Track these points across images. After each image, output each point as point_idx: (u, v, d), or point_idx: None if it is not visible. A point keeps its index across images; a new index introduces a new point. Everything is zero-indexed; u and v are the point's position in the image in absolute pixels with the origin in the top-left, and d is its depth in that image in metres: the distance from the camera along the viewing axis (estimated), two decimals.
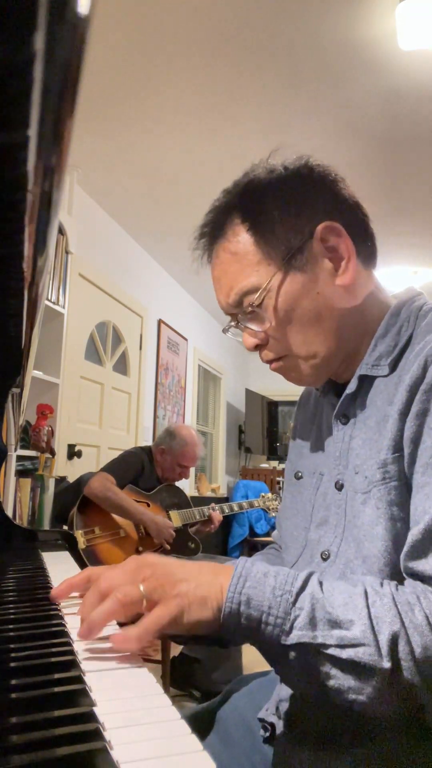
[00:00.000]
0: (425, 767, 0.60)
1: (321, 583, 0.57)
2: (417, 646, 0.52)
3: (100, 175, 3.28)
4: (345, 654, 0.53)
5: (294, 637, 0.54)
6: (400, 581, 0.60)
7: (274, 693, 0.77)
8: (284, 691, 0.73)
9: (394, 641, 0.52)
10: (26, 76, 0.21)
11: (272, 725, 0.75)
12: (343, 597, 0.56)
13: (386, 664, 0.52)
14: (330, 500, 0.73)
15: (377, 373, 0.71)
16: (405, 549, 0.60)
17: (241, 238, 0.73)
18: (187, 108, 2.69)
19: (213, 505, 2.78)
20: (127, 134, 2.91)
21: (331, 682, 0.54)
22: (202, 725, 0.82)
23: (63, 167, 0.30)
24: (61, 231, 2.97)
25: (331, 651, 0.53)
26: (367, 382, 0.72)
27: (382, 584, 0.58)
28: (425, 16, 2.05)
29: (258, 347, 0.77)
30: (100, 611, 0.54)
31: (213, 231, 0.76)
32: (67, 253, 3.00)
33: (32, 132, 0.24)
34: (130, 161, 3.16)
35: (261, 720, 0.78)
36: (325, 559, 0.71)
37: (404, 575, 0.61)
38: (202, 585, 0.57)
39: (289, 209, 0.72)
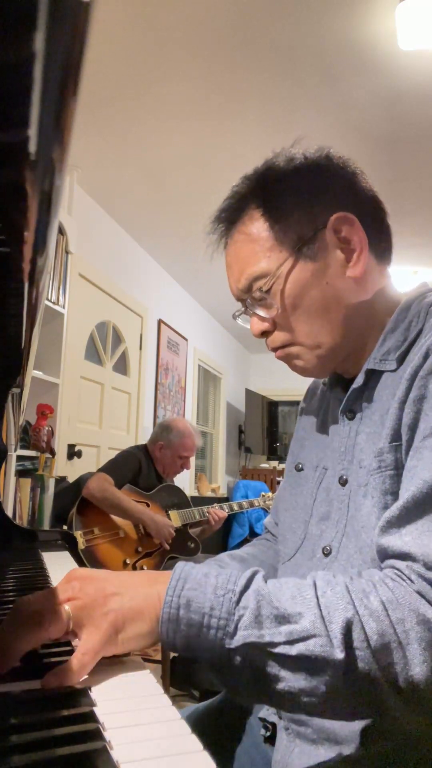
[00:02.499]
0: (426, 766, 0.59)
1: (266, 581, 0.54)
2: (372, 633, 0.49)
3: (100, 175, 3.28)
4: (295, 650, 0.49)
5: (239, 639, 0.50)
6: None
7: None
8: None
9: (347, 629, 0.49)
10: (26, 76, 0.21)
11: (273, 725, 0.75)
12: (291, 591, 0.53)
13: (339, 654, 0.48)
14: (333, 495, 0.73)
15: (384, 368, 0.70)
16: (379, 524, 0.58)
17: (255, 224, 0.74)
18: (188, 108, 2.69)
19: (215, 505, 2.78)
20: (127, 134, 2.91)
21: (281, 686, 0.50)
22: (202, 724, 0.81)
23: (63, 167, 0.30)
24: (61, 231, 2.97)
25: (279, 649, 0.49)
26: (374, 376, 0.71)
27: (335, 575, 0.55)
28: (425, 16, 2.05)
29: (265, 334, 0.77)
30: (15, 637, 0.49)
31: (229, 216, 0.77)
32: (67, 253, 3.00)
33: (32, 132, 0.24)
34: (130, 161, 3.16)
35: (262, 719, 0.77)
36: (326, 555, 0.70)
37: (377, 554, 0.58)
38: (137, 597, 0.53)
39: (304, 198, 0.73)
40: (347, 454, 0.72)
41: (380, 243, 0.76)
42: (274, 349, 0.77)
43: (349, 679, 0.49)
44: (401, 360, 0.69)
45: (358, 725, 0.60)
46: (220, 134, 2.88)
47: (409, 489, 0.56)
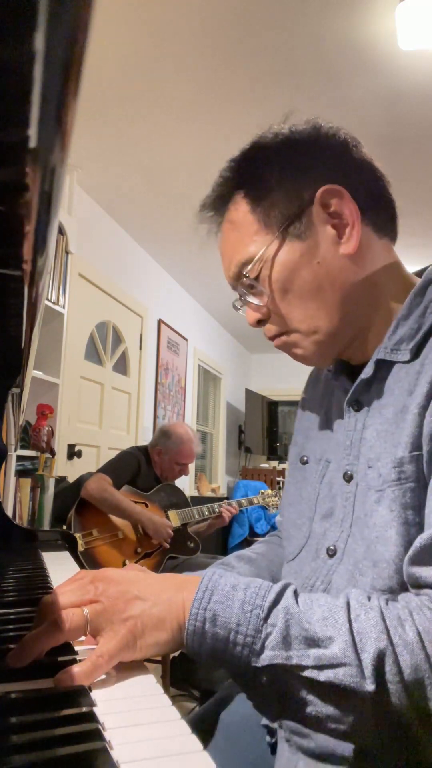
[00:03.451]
0: None
1: (297, 596, 0.52)
2: (406, 667, 0.46)
3: (100, 175, 3.28)
4: (323, 676, 0.47)
5: (266, 658, 0.48)
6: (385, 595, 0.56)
7: None
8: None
9: (379, 660, 0.46)
10: (26, 76, 0.21)
11: (274, 733, 0.72)
12: (322, 611, 0.50)
13: (370, 686, 0.45)
14: (336, 491, 0.68)
15: (397, 359, 0.64)
16: (410, 552, 0.54)
17: (239, 207, 0.70)
18: (187, 108, 2.69)
19: (225, 502, 2.79)
20: (127, 134, 2.91)
21: (309, 709, 0.48)
22: (204, 728, 0.78)
23: (63, 167, 0.30)
24: (61, 231, 2.97)
25: (307, 673, 0.47)
26: (385, 367, 0.65)
27: (369, 597, 0.52)
28: (425, 16, 2.05)
29: (261, 323, 0.72)
30: (35, 636, 0.48)
31: (216, 203, 0.73)
32: (67, 253, 3.00)
33: (32, 132, 0.24)
34: (130, 161, 3.16)
35: (266, 726, 0.75)
36: (331, 556, 0.66)
37: (407, 583, 0.55)
38: (160, 603, 0.51)
39: (288, 173, 0.67)
40: (353, 448, 0.67)
41: (379, 215, 0.69)
42: (272, 338, 0.73)
43: (379, 712, 0.47)
44: (417, 351, 0.63)
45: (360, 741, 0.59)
46: (220, 134, 2.88)
47: None
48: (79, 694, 0.43)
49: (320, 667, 0.47)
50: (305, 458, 0.77)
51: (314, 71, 2.43)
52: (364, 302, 0.68)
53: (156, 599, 0.51)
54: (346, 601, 0.51)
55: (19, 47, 0.20)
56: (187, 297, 5.34)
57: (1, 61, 0.21)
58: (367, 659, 0.46)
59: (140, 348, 4.25)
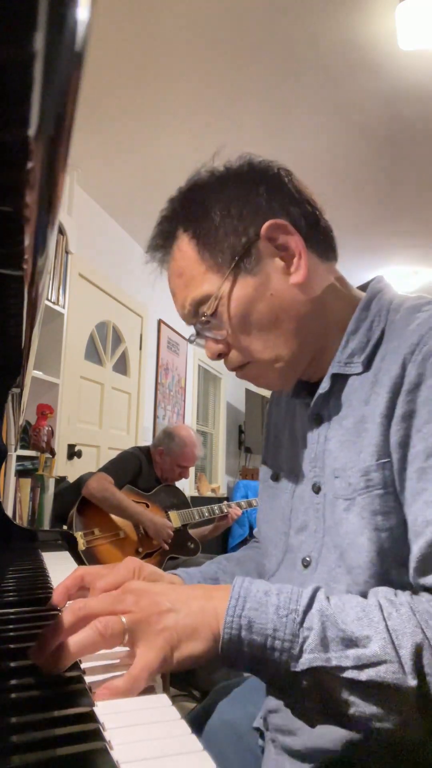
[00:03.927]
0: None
1: (329, 598, 0.52)
2: None
3: (100, 175, 3.28)
4: (365, 675, 0.47)
5: (305, 662, 0.48)
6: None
7: (264, 703, 0.74)
8: (273, 702, 0.69)
9: (417, 654, 0.47)
10: (26, 76, 0.21)
11: (263, 735, 0.73)
12: (356, 611, 0.50)
13: (412, 681, 0.46)
14: (308, 504, 0.70)
15: (351, 371, 0.67)
16: (413, 565, 0.56)
17: (186, 248, 0.71)
18: (188, 108, 2.69)
19: (226, 502, 2.80)
20: (127, 134, 2.91)
21: (352, 710, 0.48)
22: (196, 730, 0.79)
23: (63, 167, 0.30)
24: (61, 231, 2.97)
25: (348, 674, 0.48)
26: (340, 380, 0.69)
27: (396, 594, 0.53)
28: (425, 16, 2.05)
29: (221, 356, 0.74)
30: (76, 641, 0.47)
31: (162, 243, 0.75)
32: (67, 253, 3.00)
33: (32, 132, 0.24)
34: (130, 161, 3.16)
35: (257, 729, 0.76)
36: (306, 566, 0.68)
37: (421, 591, 0.56)
38: (192, 614, 0.51)
39: (231, 211, 0.69)
40: (318, 460, 0.69)
41: (319, 242, 0.72)
42: (233, 370, 0.75)
43: (422, 706, 0.47)
44: (368, 362, 0.67)
45: (341, 734, 0.59)
46: (220, 134, 2.88)
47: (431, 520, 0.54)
48: (79, 694, 0.43)
49: (361, 667, 0.48)
50: (276, 475, 0.79)
51: (314, 71, 2.43)
52: (318, 324, 0.71)
53: (188, 610, 0.51)
54: (376, 600, 0.52)
55: (19, 47, 0.20)
56: None
57: (1, 61, 0.21)
58: (406, 654, 0.47)
59: (140, 348, 4.25)
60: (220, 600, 0.52)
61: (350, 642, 0.48)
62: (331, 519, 0.66)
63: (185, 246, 0.71)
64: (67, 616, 0.49)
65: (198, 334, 0.75)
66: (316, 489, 0.69)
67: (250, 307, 0.69)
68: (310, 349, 0.71)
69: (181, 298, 0.74)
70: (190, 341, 0.78)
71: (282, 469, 0.78)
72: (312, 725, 0.55)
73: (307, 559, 0.68)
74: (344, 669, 0.48)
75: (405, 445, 0.59)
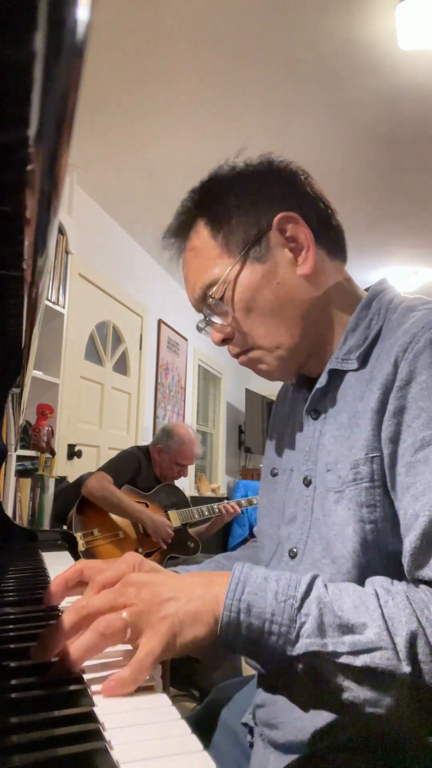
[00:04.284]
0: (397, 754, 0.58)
1: (327, 586, 0.53)
2: None
3: (100, 175, 3.28)
4: (359, 661, 0.48)
5: (301, 647, 0.49)
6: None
7: (253, 698, 0.75)
8: (260, 697, 0.70)
9: (412, 642, 0.48)
10: (26, 76, 0.21)
11: (252, 730, 0.75)
12: (353, 599, 0.51)
13: (406, 667, 0.47)
14: (297, 496, 0.72)
15: (347, 367, 0.70)
16: (406, 560, 0.57)
17: (201, 234, 0.75)
18: (188, 108, 2.69)
19: (225, 501, 2.80)
20: (127, 134, 2.91)
21: (346, 695, 0.49)
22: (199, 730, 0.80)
23: (63, 167, 0.30)
24: (61, 231, 2.97)
25: (343, 659, 0.49)
26: (338, 376, 0.71)
27: (392, 583, 0.54)
28: (425, 16, 2.05)
29: (225, 341, 0.77)
30: (79, 646, 0.47)
31: (179, 231, 0.78)
32: (67, 253, 3.00)
33: (32, 132, 0.24)
34: (130, 161, 3.16)
35: (245, 725, 0.77)
36: (292, 557, 0.70)
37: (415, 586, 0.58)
38: (194, 599, 0.51)
39: (246, 202, 0.73)
40: (311, 454, 0.72)
41: (329, 239, 0.76)
42: (236, 356, 0.77)
43: (415, 692, 0.48)
44: (363, 359, 0.69)
45: (323, 721, 0.61)
46: (219, 134, 2.88)
47: (420, 514, 0.55)
48: (79, 694, 0.43)
49: (356, 653, 0.49)
50: (275, 470, 0.81)
51: (314, 71, 2.43)
52: (320, 318, 0.74)
53: (189, 596, 0.52)
54: (373, 588, 0.53)
55: (19, 47, 0.20)
56: (187, 297, 5.33)
57: (1, 61, 0.21)
58: (401, 642, 0.48)
59: (140, 348, 4.25)
60: (221, 585, 0.53)
61: (346, 628, 0.50)
62: (319, 511, 0.68)
63: (201, 232, 0.75)
64: (71, 616, 0.50)
65: (205, 319, 0.77)
66: (307, 482, 0.71)
67: (255, 293, 0.72)
68: (310, 341, 0.74)
69: (192, 283, 0.77)
70: (198, 329, 0.81)
71: (280, 463, 0.80)
72: (305, 710, 0.56)
73: (294, 550, 0.70)
74: (340, 654, 0.49)
75: (395, 440, 0.61)
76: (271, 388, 7.09)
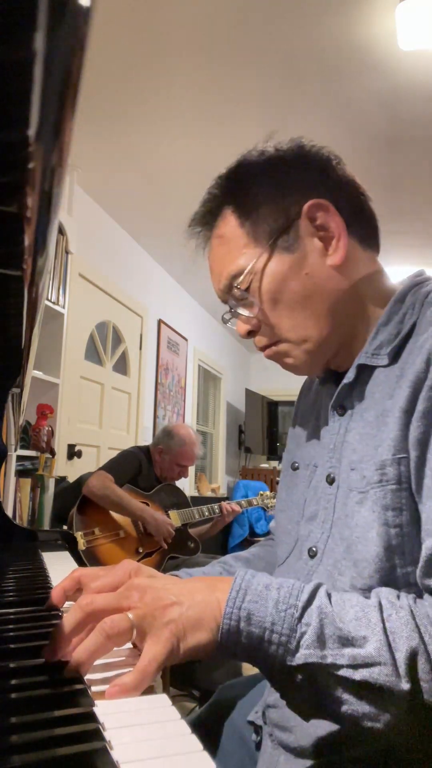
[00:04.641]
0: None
1: (330, 596, 0.52)
2: None
3: (100, 175, 3.28)
4: (358, 675, 0.47)
5: (300, 657, 0.48)
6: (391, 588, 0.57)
7: (263, 697, 0.75)
8: (272, 697, 0.69)
9: (412, 658, 0.47)
10: (26, 76, 0.21)
11: (261, 729, 0.74)
12: (355, 611, 0.50)
13: (405, 685, 0.47)
14: (320, 494, 0.70)
15: (377, 363, 0.66)
16: (421, 564, 0.56)
17: (228, 222, 0.72)
18: (188, 108, 2.69)
19: (226, 501, 2.80)
20: (127, 134, 2.91)
21: (344, 708, 0.49)
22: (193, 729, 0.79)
23: (63, 167, 0.30)
24: (61, 231, 2.97)
25: (342, 672, 0.48)
26: (366, 371, 0.68)
27: (398, 596, 0.53)
28: (425, 16, 2.05)
29: (251, 334, 0.74)
30: (86, 648, 0.47)
31: (204, 219, 0.75)
32: (67, 253, 3.00)
33: (32, 132, 0.24)
34: (130, 161, 3.16)
35: (251, 723, 0.76)
36: (312, 556, 0.68)
37: (424, 592, 0.56)
38: (196, 605, 0.51)
39: (275, 189, 0.70)
40: (336, 451, 0.69)
41: (362, 228, 0.72)
42: (262, 349, 0.74)
43: (414, 710, 0.48)
44: (395, 355, 0.65)
45: (337, 734, 0.59)
46: (219, 134, 2.88)
47: None
48: (79, 694, 0.43)
49: (355, 666, 0.48)
50: (296, 464, 0.79)
51: (314, 72, 2.43)
52: (350, 311, 0.70)
53: (191, 602, 0.51)
54: (377, 600, 0.52)
55: (19, 47, 0.20)
56: (187, 297, 5.34)
57: (1, 61, 0.21)
58: (401, 658, 0.47)
59: (140, 348, 4.25)
60: (222, 592, 0.52)
61: (347, 641, 0.49)
62: (341, 511, 0.65)
63: (228, 221, 0.72)
64: (76, 613, 0.50)
65: (231, 310, 0.74)
66: (330, 480, 0.68)
67: (283, 284, 0.69)
68: (339, 334, 0.71)
69: (217, 272, 0.74)
70: (224, 320, 0.78)
71: (302, 458, 0.78)
72: (305, 719, 0.55)
73: (314, 549, 0.68)
74: (339, 667, 0.48)
75: (424, 442, 0.58)
76: (271, 389, 7.11)
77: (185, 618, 0.50)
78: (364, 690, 0.48)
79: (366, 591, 0.58)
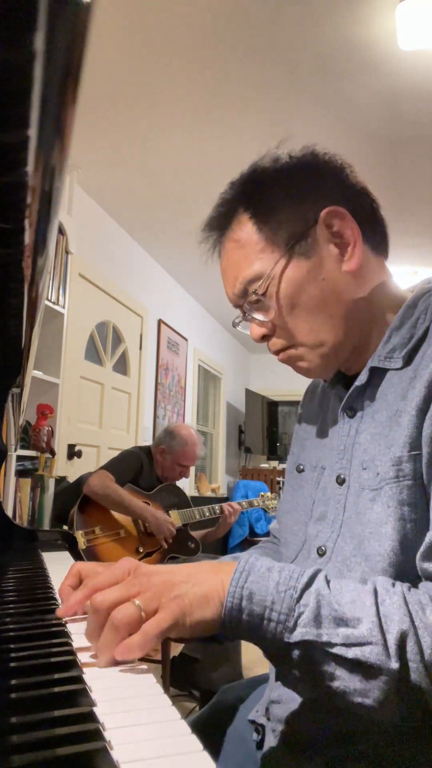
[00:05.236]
0: (409, 766, 0.59)
1: (328, 581, 0.55)
2: (427, 647, 0.50)
3: (100, 175, 3.28)
4: (351, 653, 0.50)
5: (298, 635, 0.52)
6: (405, 582, 0.58)
7: (265, 694, 0.75)
8: (275, 693, 0.71)
9: (402, 640, 0.50)
10: (26, 76, 0.21)
11: (263, 727, 0.74)
12: (351, 594, 0.53)
13: (394, 664, 0.49)
14: (330, 495, 0.71)
15: (390, 366, 0.68)
16: (421, 549, 0.58)
17: (244, 228, 0.73)
18: (187, 108, 2.69)
19: (228, 503, 2.79)
20: (127, 134, 2.91)
21: (336, 684, 0.52)
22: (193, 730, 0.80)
23: (63, 167, 0.30)
24: (61, 231, 2.97)
25: (336, 650, 0.51)
26: (378, 374, 0.69)
27: (393, 584, 0.55)
28: (425, 16, 2.05)
29: (265, 338, 0.75)
30: (102, 645, 0.51)
31: (219, 223, 0.76)
32: (67, 253, 3.00)
33: (32, 132, 0.24)
34: (130, 161, 3.16)
35: (252, 722, 0.77)
36: (321, 555, 0.70)
37: (421, 576, 0.59)
38: (202, 583, 0.55)
39: (292, 196, 0.71)
40: (346, 452, 0.70)
41: (375, 234, 0.74)
42: (276, 353, 0.76)
43: (402, 688, 0.50)
44: (408, 358, 0.67)
45: (345, 726, 0.61)
46: (219, 134, 2.88)
47: None
48: (79, 694, 0.43)
49: (348, 645, 0.51)
50: (301, 466, 0.80)
51: (314, 71, 2.43)
52: (364, 315, 0.72)
53: (197, 580, 0.55)
54: (373, 586, 0.54)
55: (19, 47, 0.20)
56: (187, 297, 5.34)
57: (1, 61, 0.21)
58: (392, 639, 0.50)
59: (140, 348, 4.25)
60: (227, 573, 0.56)
61: (341, 621, 0.52)
62: (352, 510, 0.67)
63: (245, 226, 0.73)
64: (92, 618, 0.53)
65: (245, 315, 0.76)
66: (341, 481, 0.70)
67: (300, 289, 0.70)
68: (353, 339, 0.73)
69: (232, 277, 0.75)
70: (234, 324, 0.79)
71: (308, 460, 0.79)
72: (301, 696, 0.59)
73: (323, 548, 0.70)
74: (333, 645, 0.51)
75: None
76: (271, 389, 7.12)
77: (192, 594, 0.54)
78: (356, 667, 0.51)
79: None
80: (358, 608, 0.52)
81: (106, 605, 0.52)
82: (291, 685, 0.59)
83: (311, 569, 0.56)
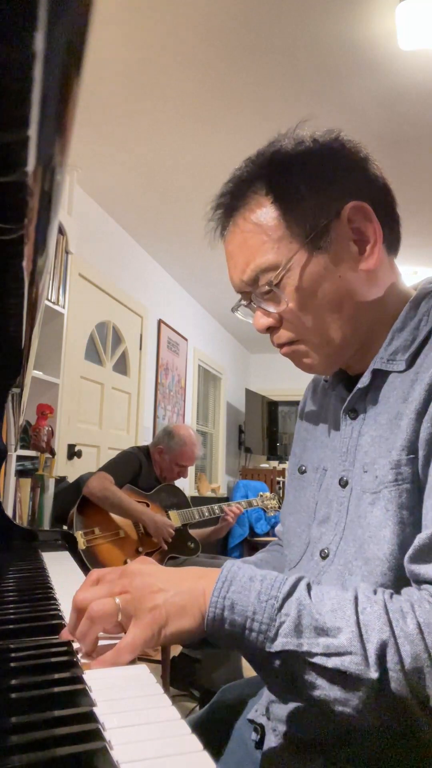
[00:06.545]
0: (409, 766, 0.59)
1: (309, 589, 0.55)
2: (407, 656, 0.49)
3: (100, 175, 3.28)
4: (331, 663, 0.50)
5: (279, 645, 0.52)
6: (404, 586, 0.58)
7: (265, 694, 0.75)
8: None
9: (382, 650, 0.50)
10: (26, 76, 0.21)
11: (262, 726, 0.74)
12: (332, 603, 0.53)
13: (373, 674, 0.49)
14: (332, 497, 0.70)
15: (392, 368, 0.67)
16: (410, 551, 0.58)
17: (265, 210, 0.68)
18: (187, 108, 2.69)
19: (228, 503, 2.79)
20: (127, 134, 2.91)
21: (317, 693, 0.52)
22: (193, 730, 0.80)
23: (63, 167, 0.30)
24: (61, 231, 2.97)
25: (316, 659, 0.51)
26: (380, 376, 0.68)
27: (375, 591, 0.55)
28: (425, 16, 2.05)
29: (270, 330, 0.72)
30: (79, 633, 0.54)
31: (233, 201, 0.72)
32: (67, 253, 3.00)
33: (32, 132, 0.24)
34: (130, 161, 3.16)
35: (251, 721, 0.77)
36: (324, 558, 0.69)
37: (409, 579, 0.58)
38: (182, 593, 0.55)
39: (317, 185, 0.68)
40: (348, 454, 0.70)
41: (391, 233, 0.72)
42: (280, 346, 0.73)
43: (381, 697, 0.50)
44: (411, 361, 0.66)
45: (342, 727, 0.61)
46: (219, 134, 2.88)
47: None
48: (79, 694, 0.43)
49: (328, 655, 0.51)
50: (303, 468, 0.79)
51: (314, 71, 2.43)
52: (373, 316, 0.71)
53: (177, 589, 0.55)
54: (354, 594, 0.54)
55: (19, 47, 0.20)
56: (187, 297, 5.34)
57: (1, 61, 0.21)
58: (371, 649, 0.50)
59: (140, 348, 4.25)
60: (209, 581, 0.56)
61: (321, 630, 0.52)
62: (354, 512, 0.66)
63: (264, 208, 0.69)
64: (71, 615, 0.56)
65: (249, 303, 0.73)
66: (343, 483, 0.69)
67: (317, 286, 0.68)
68: (358, 340, 0.71)
69: (242, 261, 0.70)
70: (233, 309, 0.76)
71: (310, 461, 0.78)
72: (283, 702, 0.60)
73: (326, 551, 0.69)
74: (313, 655, 0.51)
75: (431, 442, 0.60)
76: (271, 389, 7.12)
77: (169, 604, 0.54)
78: (336, 677, 0.51)
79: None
80: (339, 617, 0.52)
81: (86, 603, 0.55)
82: (275, 692, 0.59)
83: (293, 577, 0.56)
